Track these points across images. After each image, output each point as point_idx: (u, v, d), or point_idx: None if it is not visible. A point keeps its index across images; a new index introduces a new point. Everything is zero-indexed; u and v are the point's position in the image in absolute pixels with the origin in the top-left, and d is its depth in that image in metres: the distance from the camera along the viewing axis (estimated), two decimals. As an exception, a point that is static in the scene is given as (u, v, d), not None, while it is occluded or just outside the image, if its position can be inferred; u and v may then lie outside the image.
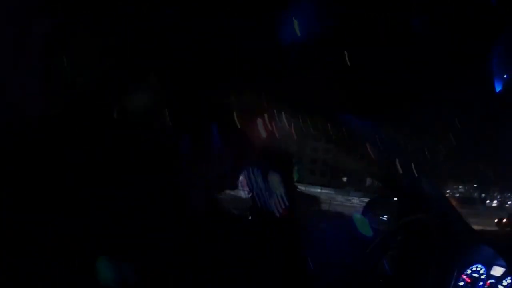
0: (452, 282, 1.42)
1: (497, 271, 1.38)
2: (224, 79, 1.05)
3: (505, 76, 0.89)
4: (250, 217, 1.47)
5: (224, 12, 0.89)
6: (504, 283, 1.37)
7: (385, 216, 1.76)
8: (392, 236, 1.64)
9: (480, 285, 1.41)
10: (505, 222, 10.57)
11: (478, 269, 1.42)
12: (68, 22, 0.79)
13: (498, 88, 0.90)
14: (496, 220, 10.63)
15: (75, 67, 0.78)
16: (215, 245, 1.53)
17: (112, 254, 0.68)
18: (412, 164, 1.48)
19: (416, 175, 1.49)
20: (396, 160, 1.48)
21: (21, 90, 0.76)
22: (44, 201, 0.66)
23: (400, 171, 1.46)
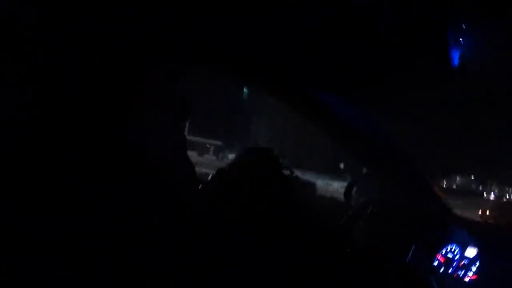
0: (428, 261, 1.49)
1: (471, 252, 1.42)
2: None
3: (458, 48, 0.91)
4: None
5: None
6: (477, 265, 1.41)
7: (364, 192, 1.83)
8: (364, 207, 1.70)
9: (454, 266, 1.45)
10: (488, 214, 10.64)
11: (453, 249, 1.47)
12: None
13: (455, 61, 0.93)
14: (480, 212, 10.70)
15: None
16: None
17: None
18: (390, 145, 1.53)
19: (394, 156, 1.55)
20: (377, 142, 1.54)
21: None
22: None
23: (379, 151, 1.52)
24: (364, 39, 1.05)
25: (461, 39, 0.94)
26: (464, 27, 0.93)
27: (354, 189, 1.99)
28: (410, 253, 1.48)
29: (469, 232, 1.44)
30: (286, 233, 1.82)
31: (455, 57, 0.91)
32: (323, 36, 1.05)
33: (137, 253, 0.71)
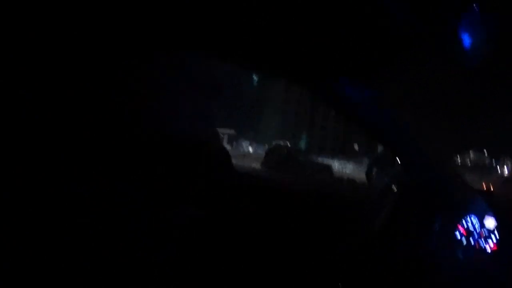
0: (452, 233, 1.53)
1: (490, 223, 1.46)
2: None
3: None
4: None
5: None
6: (496, 235, 1.45)
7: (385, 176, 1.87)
8: (387, 193, 1.75)
9: (475, 237, 1.49)
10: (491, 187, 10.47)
11: (472, 219, 1.51)
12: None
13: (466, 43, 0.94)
14: (483, 186, 10.61)
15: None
16: (220, 241, 1.61)
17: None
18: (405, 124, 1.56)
19: (409, 134, 1.58)
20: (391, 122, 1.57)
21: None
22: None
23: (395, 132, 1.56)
24: (371, 24, 1.06)
25: (473, 19, 0.96)
26: (476, 8, 0.95)
27: (374, 169, 2.03)
28: (436, 225, 1.52)
29: (487, 203, 1.47)
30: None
31: (466, 38, 0.93)
32: (330, 21, 1.06)
33: (140, 251, 0.73)
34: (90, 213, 0.69)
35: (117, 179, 0.75)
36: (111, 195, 0.72)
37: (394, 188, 1.71)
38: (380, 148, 2.11)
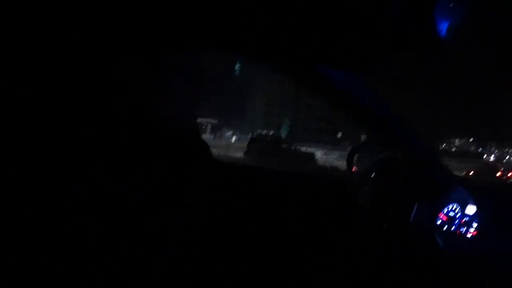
0: (431, 220, 1.56)
1: (471, 210, 1.49)
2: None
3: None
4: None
5: None
6: (476, 221, 1.48)
7: (366, 160, 1.90)
8: (367, 172, 1.78)
9: (456, 223, 1.52)
10: (471, 175, 10.88)
11: (454, 207, 1.54)
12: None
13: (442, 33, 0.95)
14: (463, 173, 10.97)
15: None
16: (221, 242, 1.63)
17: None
18: (388, 111, 1.58)
19: (393, 121, 1.60)
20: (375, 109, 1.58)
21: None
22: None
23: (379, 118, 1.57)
24: (355, 11, 1.06)
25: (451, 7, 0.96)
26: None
27: (356, 156, 2.05)
28: (413, 213, 1.55)
29: (467, 190, 1.50)
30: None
31: (444, 25, 0.93)
32: (313, 8, 1.06)
33: (141, 252, 0.73)
34: (90, 213, 0.68)
35: (117, 179, 0.75)
36: (111, 195, 0.72)
37: (375, 174, 1.73)
38: (362, 136, 2.14)
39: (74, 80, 0.78)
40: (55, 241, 0.65)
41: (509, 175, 14.25)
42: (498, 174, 14.05)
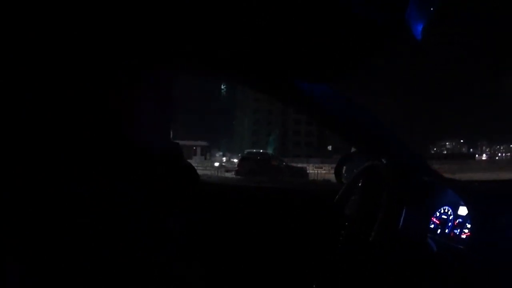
0: (422, 224, 1.56)
1: (463, 210, 1.48)
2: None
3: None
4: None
5: None
6: (469, 222, 1.48)
7: (355, 170, 1.89)
8: (354, 182, 1.77)
9: (449, 226, 1.51)
10: None
11: (446, 210, 1.52)
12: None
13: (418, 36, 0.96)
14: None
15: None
16: (218, 244, 1.62)
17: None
18: (375, 121, 1.59)
19: (379, 131, 1.61)
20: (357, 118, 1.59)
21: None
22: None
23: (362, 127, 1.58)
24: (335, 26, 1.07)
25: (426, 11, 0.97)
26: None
27: (344, 167, 2.05)
28: (402, 219, 1.54)
29: (457, 193, 1.49)
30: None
31: (418, 30, 0.94)
32: (295, 27, 1.07)
33: (140, 253, 0.72)
34: (90, 213, 0.68)
35: (117, 179, 0.75)
36: (111, 195, 0.72)
37: (361, 183, 1.73)
38: (352, 148, 2.14)
39: (74, 81, 0.79)
40: (55, 241, 0.65)
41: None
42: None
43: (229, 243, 1.85)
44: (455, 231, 1.45)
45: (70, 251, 0.65)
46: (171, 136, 0.95)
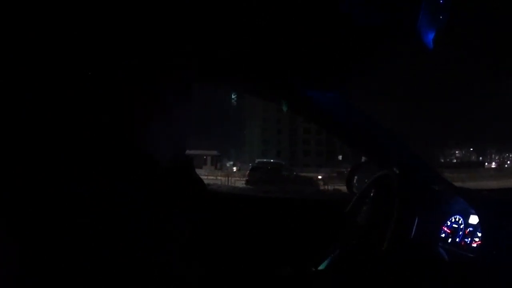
0: (434, 233, 1.55)
1: (474, 219, 1.47)
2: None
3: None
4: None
5: None
6: (480, 231, 1.47)
7: (366, 180, 1.89)
8: (365, 193, 1.78)
9: (460, 234, 1.51)
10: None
11: (457, 219, 1.52)
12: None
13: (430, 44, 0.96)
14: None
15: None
16: (219, 242, 1.63)
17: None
18: (384, 130, 1.59)
19: (389, 140, 1.61)
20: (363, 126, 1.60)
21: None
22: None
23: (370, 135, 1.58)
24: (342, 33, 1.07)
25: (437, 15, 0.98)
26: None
27: (356, 177, 2.05)
28: (414, 228, 1.54)
29: (468, 202, 1.49)
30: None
31: (430, 37, 0.95)
32: (305, 35, 1.08)
33: (140, 253, 0.72)
34: (90, 213, 0.68)
35: (117, 179, 0.75)
36: (111, 195, 0.72)
37: (373, 193, 1.73)
38: (362, 157, 2.14)
39: (74, 81, 0.79)
40: (55, 241, 0.64)
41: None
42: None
43: (231, 245, 1.85)
44: (466, 239, 1.45)
45: (70, 251, 0.65)
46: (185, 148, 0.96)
